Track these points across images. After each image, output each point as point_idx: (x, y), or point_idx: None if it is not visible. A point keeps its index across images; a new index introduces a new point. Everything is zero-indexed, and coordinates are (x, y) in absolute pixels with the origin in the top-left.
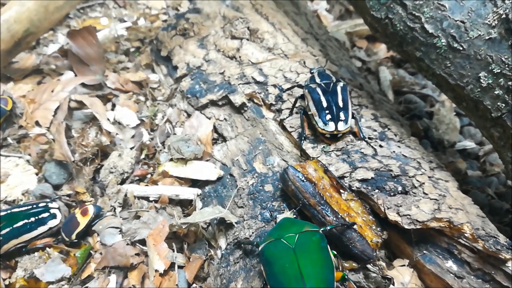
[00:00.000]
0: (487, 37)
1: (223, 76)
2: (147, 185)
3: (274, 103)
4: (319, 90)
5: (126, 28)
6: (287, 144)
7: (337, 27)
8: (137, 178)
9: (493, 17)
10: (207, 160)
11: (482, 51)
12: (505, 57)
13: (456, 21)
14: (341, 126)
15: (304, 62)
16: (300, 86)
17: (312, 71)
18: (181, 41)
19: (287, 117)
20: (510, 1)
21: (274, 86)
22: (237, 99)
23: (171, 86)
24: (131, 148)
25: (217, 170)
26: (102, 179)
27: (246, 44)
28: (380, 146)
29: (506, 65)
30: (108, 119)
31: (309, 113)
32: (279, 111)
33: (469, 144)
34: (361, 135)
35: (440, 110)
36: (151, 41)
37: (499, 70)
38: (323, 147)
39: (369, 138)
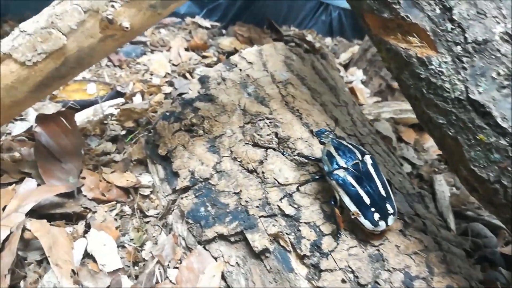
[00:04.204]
0: None
1: (239, 198)
2: None
3: (308, 254)
4: (351, 180)
5: (117, 105)
6: None
7: (378, 109)
8: None
9: None
10: None
11: None
12: None
13: None
14: (391, 221)
15: None
16: (320, 174)
17: (321, 140)
18: (186, 140)
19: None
20: None
21: (308, 223)
22: (257, 242)
23: (168, 197)
24: None
25: None
26: None
27: (272, 156)
28: None
29: None
30: (72, 268)
31: (351, 213)
32: (316, 268)
33: None
34: None
35: None
36: (147, 123)
37: None
38: None
39: None
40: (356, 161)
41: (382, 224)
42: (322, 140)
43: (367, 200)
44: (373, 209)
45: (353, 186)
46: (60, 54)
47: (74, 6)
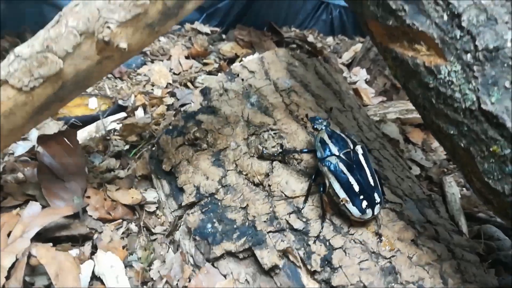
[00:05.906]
0: None
1: (246, 213)
2: None
3: (319, 270)
4: (343, 167)
5: (119, 120)
6: None
7: (383, 110)
8: None
9: None
10: None
11: None
12: None
13: None
14: (377, 210)
15: None
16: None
17: (315, 126)
18: (190, 155)
19: None
20: None
21: (317, 237)
22: (266, 259)
23: (174, 213)
24: None
25: None
26: None
27: (278, 168)
28: None
29: None
30: None
31: (338, 199)
32: (328, 283)
33: None
34: None
35: None
36: (151, 136)
37: None
38: None
39: None
40: (348, 149)
41: (369, 212)
42: (316, 127)
43: (356, 188)
44: (361, 197)
45: (344, 173)
46: (57, 78)
47: (69, 29)
